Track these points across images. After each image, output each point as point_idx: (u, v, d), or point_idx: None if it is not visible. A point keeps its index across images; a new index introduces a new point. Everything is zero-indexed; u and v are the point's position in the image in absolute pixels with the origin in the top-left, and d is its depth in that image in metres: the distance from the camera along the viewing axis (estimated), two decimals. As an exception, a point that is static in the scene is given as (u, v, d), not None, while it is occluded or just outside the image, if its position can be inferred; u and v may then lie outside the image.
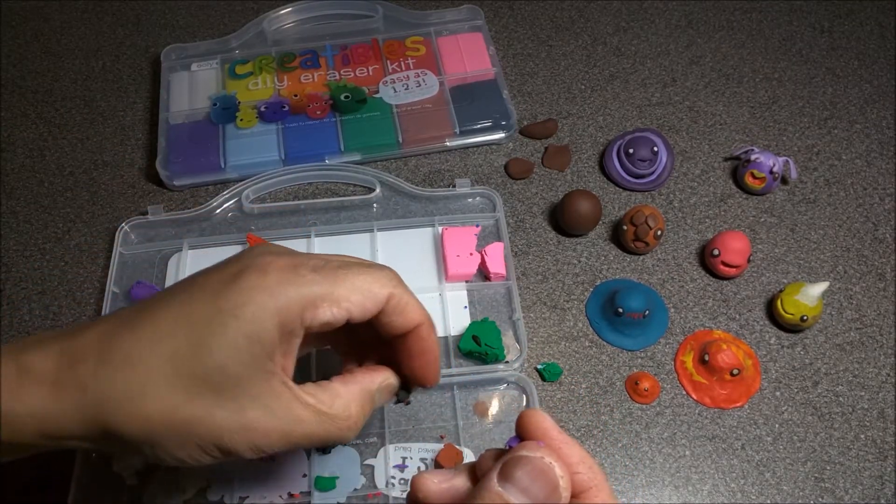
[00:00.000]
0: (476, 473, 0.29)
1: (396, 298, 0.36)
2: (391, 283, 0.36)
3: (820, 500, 0.51)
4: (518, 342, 0.55)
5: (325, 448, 0.50)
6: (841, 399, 0.55)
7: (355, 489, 0.49)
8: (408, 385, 0.40)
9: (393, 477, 0.50)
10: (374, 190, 0.63)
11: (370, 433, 0.52)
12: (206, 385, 0.31)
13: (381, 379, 0.38)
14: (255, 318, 0.31)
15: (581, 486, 0.27)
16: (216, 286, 0.33)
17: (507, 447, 0.28)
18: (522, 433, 0.29)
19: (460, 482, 0.29)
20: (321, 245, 0.60)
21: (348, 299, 0.34)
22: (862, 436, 0.53)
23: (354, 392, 0.36)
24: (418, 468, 0.50)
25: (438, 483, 0.30)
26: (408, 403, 0.49)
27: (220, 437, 0.31)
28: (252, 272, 0.33)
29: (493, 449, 0.30)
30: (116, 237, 0.60)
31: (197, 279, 0.34)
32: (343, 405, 0.35)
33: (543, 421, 0.28)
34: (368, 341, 0.40)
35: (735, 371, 0.53)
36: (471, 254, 0.58)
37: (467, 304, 0.58)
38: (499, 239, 0.60)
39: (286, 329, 0.32)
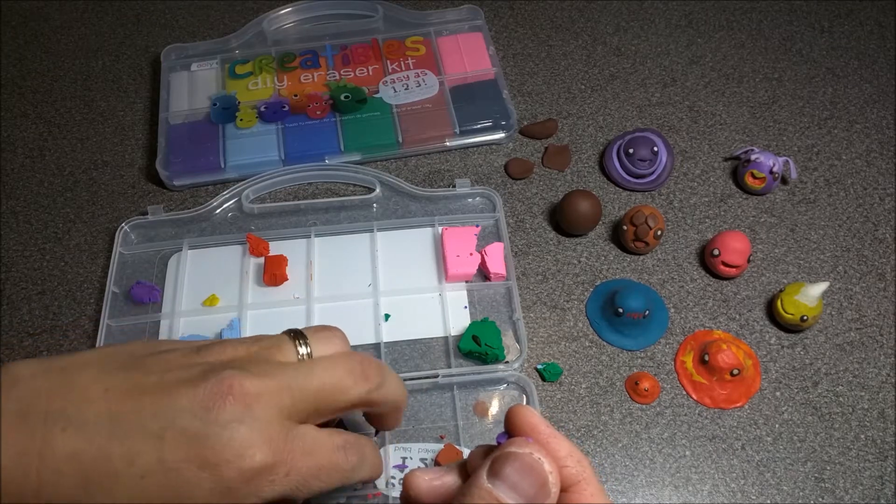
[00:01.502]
0: (467, 470, 0.29)
1: (381, 394, 0.35)
2: (380, 375, 0.34)
3: (820, 500, 0.51)
4: (518, 342, 0.55)
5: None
6: (841, 399, 0.55)
7: (355, 489, 0.49)
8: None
9: (393, 477, 0.50)
10: (374, 190, 0.63)
11: (370, 433, 0.52)
12: None
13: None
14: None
15: (569, 481, 0.27)
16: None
17: (497, 443, 0.28)
18: (511, 429, 0.29)
19: (451, 479, 0.29)
20: (321, 245, 0.60)
21: (305, 483, 0.31)
22: (862, 436, 0.53)
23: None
24: (418, 467, 0.50)
25: (430, 480, 0.30)
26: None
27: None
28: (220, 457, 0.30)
29: (482, 445, 0.30)
30: (116, 237, 0.60)
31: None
32: None
33: (531, 416, 0.28)
34: None
35: (735, 371, 0.53)
36: (471, 254, 0.58)
37: (467, 304, 0.58)
38: (499, 239, 0.60)
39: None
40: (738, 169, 0.65)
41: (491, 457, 0.27)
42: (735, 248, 0.58)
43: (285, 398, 0.31)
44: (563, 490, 0.27)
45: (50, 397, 0.28)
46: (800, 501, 0.51)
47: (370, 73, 0.70)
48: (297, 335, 0.35)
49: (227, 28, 0.76)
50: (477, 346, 0.53)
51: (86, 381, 0.29)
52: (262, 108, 0.67)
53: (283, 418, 0.30)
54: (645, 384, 0.54)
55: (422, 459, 0.51)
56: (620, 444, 0.52)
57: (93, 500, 0.27)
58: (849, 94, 0.72)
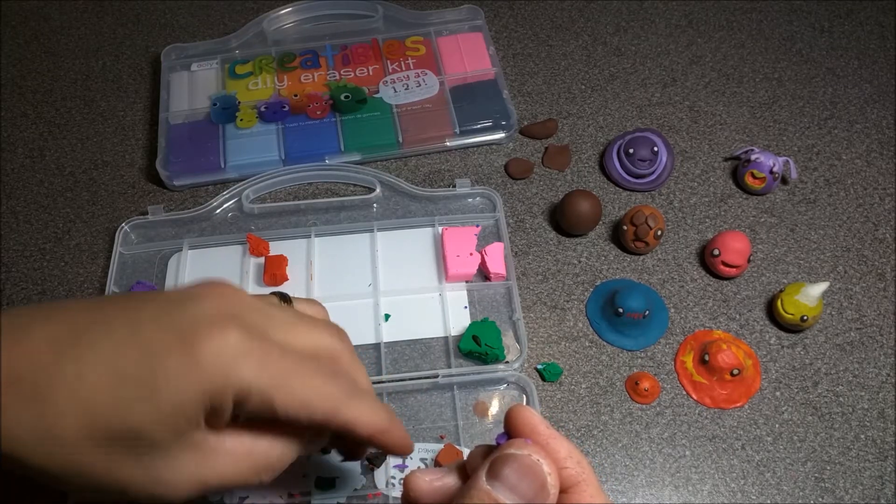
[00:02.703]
0: (466, 471, 0.29)
1: (341, 421, 0.32)
2: (337, 396, 0.32)
3: (820, 500, 0.51)
4: (518, 342, 0.55)
5: (324, 448, 0.50)
6: (841, 399, 0.55)
7: (355, 489, 0.49)
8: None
9: (393, 477, 0.50)
10: (374, 190, 0.63)
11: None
12: (119, 443, 0.28)
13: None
14: (179, 391, 0.29)
15: (569, 482, 0.27)
16: (163, 335, 0.29)
17: (497, 443, 0.28)
18: (510, 429, 0.29)
19: (451, 480, 0.30)
20: (321, 245, 0.60)
21: (283, 406, 0.31)
22: (862, 436, 0.53)
23: (281, 438, 0.33)
24: (418, 468, 0.50)
25: (430, 482, 0.30)
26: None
27: (124, 488, 0.29)
28: (199, 346, 0.30)
29: (482, 446, 0.30)
30: (116, 237, 0.60)
31: (150, 310, 0.31)
32: (265, 450, 0.32)
33: (531, 416, 0.28)
34: None
35: (735, 371, 0.53)
36: (471, 254, 0.58)
37: (467, 304, 0.58)
38: (499, 239, 0.60)
39: (214, 406, 0.30)
40: (738, 169, 0.65)
41: (490, 458, 0.27)
42: (735, 248, 0.58)
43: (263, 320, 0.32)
44: (563, 491, 0.27)
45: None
46: (800, 501, 0.51)
47: (370, 73, 0.70)
48: (283, 297, 0.36)
49: (227, 28, 0.76)
50: (477, 346, 0.53)
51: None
52: (263, 108, 0.67)
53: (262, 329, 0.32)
54: (645, 384, 0.54)
55: (422, 459, 0.51)
56: (620, 444, 0.52)
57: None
58: (849, 94, 0.72)
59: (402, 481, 0.49)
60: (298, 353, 0.32)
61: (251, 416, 0.30)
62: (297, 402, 0.31)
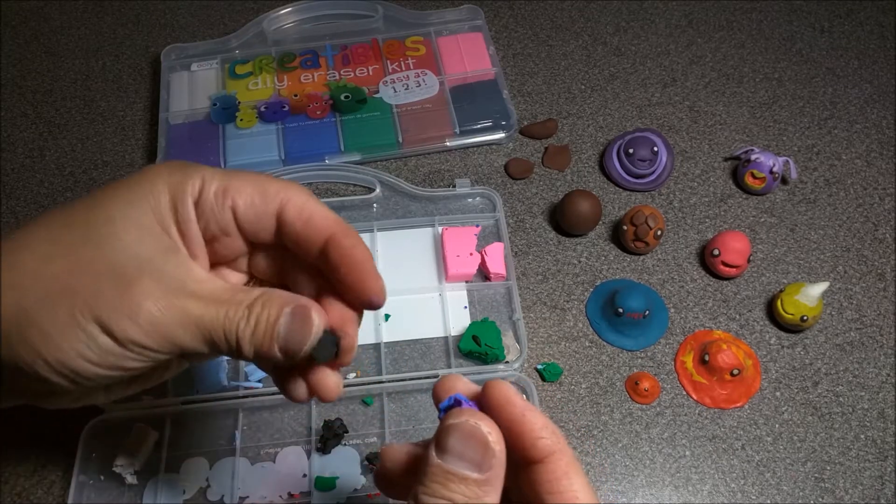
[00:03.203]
0: None
1: (296, 206, 0.33)
2: (292, 190, 0.33)
3: (820, 500, 0.51)
4: (518, 342, 0.55)
5: (325, 448, 0.51)
6: (841, 399, 0.55)
7: (355, 489, 0.50)
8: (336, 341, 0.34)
9: (393, 477, 0.50)
10: (374, 190, 0.63)
11: (370, 433, 0.52)
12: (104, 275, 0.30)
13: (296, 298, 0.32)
14: (145, 194, 0.31)
15: (545, 451, 0.28)
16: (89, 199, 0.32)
17: (440, 413, 0.29)
18: (486, 403, 0.29)
19: (421, 452, 0.31)
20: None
21: (238, 189, 0.32)
22: (862, 436, 0.53)
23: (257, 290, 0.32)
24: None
25: (406, 453, 0.32)
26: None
27: (98, 313, 0.29)
28: (142, 170, 0.33)
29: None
30: (116, 237, 0.60)
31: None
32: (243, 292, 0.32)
33: (506, 390, 0.29)
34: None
35: (735, 371, 0.53)
36: (471, 254, 0.58)
37: (467, 304, 0.58)
38: (499, 239, 0.60)
39: (176, 202, 0.32)
40: (738, 169, 0.65)
41: (435, 434, 0.28)
42: (735, 248, 0.58)
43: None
44: (539, 461, 0.28)
45: None
46: (800, 501, 0.51)
47: (370, 73, 0.70)
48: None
49: (227, 28, 0.76)
50: (477, 346, 0.53)
51: None
52: (262, 108, 0.67)
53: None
54: (645, 384, 0.54)
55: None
56: (620, 444, 0.52)
57: None
58: (849, 94, 0.72)
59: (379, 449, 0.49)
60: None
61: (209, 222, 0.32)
62: (251, 187, 0.32)
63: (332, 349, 0.32)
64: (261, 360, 0.32)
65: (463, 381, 0.31)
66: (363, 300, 0.33)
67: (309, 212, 0.33)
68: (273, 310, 0.31)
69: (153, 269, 0.30)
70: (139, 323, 0.29)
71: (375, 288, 0.33)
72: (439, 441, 0.27)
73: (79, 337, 0.29)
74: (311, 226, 0.33)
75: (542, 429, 0.28)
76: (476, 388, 0.30)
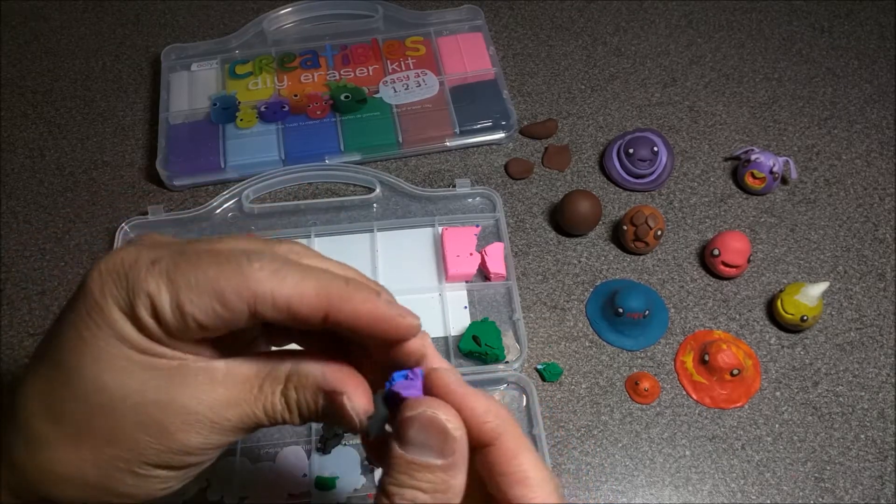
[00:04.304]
0: None
1: (266, 300, 0.27)
2: (255, 279, 0.27)
3: (820, 500, 0.51)
4: (518, 342, 0.55)
5: (325, 448, 0.50)
6: (841, 399, 0.55)
7: (355, 489, 0.49)
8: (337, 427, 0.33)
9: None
10: (374, 190, 0.63)
11: (370, 433, 0.52)
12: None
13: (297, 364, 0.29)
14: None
15: (491, 435, 0.28)
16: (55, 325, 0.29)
17: (391, 382, 0.29)
18: (427, 391, 0.29)
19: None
20: (321, 245, 0.60)
21: (191, 302, 0.26)
22: (862, 436, 0.53)
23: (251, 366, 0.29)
24: None
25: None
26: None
27: (149, 460, 0.28)
28: (86, 277, 0.28)
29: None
30: (116, 237, 0.60)
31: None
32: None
33: (445, 377, 0.28)
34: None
35: (735, 371, 0.53)
36: (471, 254, 0.58)
37: (467, 304, 0.58)
38: (499, 239, 0.60)
39: (138, 322, 0.27)
40: (738, 169, 0.65)
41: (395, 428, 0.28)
42: (735, 248, 0.58)
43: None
44: (487, 445, 0.28)
45: None
46: (800, 501, 0.51)
47: (370, 73, 0.70)
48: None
49: (227, 28, 0.76)
50: (477, 346, 0.53)
51: None
52: (262, 108, 0.67)
53: None
54: (645, 384, 0.54)
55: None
56: (620, 444, 0.52)
57: None
58: (849, 94, 0.72)
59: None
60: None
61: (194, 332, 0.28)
62: (207, 293, 0.27)
63: (381, 423, 0.29)
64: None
65: (453, 377, 0.29)
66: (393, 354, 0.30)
67: (285, 299, 0.27)
68: (309, 395, 0.29)
69: (167, 408, 0.27)
70: (191, 457, 0.28)
71: (402, 329, 0.29)
72: (400, 433, 0.27)
73: (130, 481, 0.28)
74: (295, 312, 0.27)
75: (485, 413, 0.28)
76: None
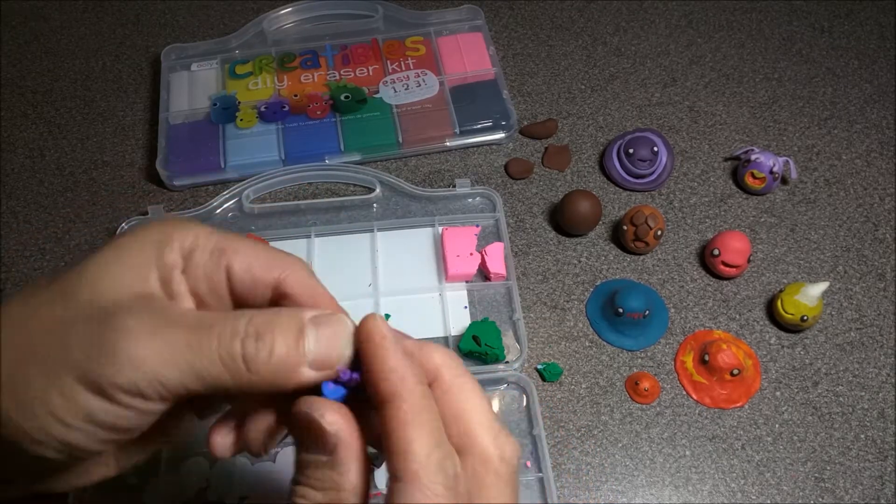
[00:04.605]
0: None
1: (299, 280, 0.29)
2: (294, 263, 0.30)
3: (820, 500, 0.51)
4: (518, 342, 0.55)
5: (376, 462, 0.50)
6: (841, 399, 0.55)
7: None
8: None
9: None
10: (374, 190, 0.63)
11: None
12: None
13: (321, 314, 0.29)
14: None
15: (385, 395, 0.26)
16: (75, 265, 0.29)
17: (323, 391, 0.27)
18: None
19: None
20: (321, 245, 0.60)
21: (235, 251, 0.29)
22: (862, 436, 0.53)
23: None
24: None
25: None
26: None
27: (73, 367, 0.26)
28: (128, 230, 0.30)
29: None
30: (116, 237, 0.60)
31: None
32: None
33: (370, 326, 0.28)
34: None
35: (735, 371, 0.53)
36: (471, 254, 0.58)
37: (467, 304, 0.58)
38: (499, 239, 0.60)
39: (161, 252, 0.29)
40: (738, 169, 0.65)
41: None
42: (735, 248, 0.58)
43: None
44: (380, 405, 0.26)
45: None
46: (800, 501, 0.51)
47: (370, 73, 0.70)
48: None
49: (227, 28, 0.76)
50: (477, 346, 0.53)
51: None
52: (262, 108, 0.67)
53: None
54: (645, 384, 0.54)
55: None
56: (620, 444, 0.52)
57: None
58: (849, 94, 0.72)
59: None
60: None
61: (199, 281, 0.29)
62: (253, 252, 0.29)
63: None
64: (266, 390, 0.27)
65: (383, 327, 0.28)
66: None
67: (312, 289, 0.30)
68: (288, 323, 0.27)
69: (131, 308, 0.26)
70: (120, 367, 0.25)
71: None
72: (300, 441, 0.27)
73: (56, 400, 0.25)
74: (316, 304, 0.29)
75: (389, 371, 0.26)
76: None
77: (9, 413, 0.25)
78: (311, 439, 0.26)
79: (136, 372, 0.25)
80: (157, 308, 0.27)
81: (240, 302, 0.30)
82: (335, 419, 0.26)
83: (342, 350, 0.27)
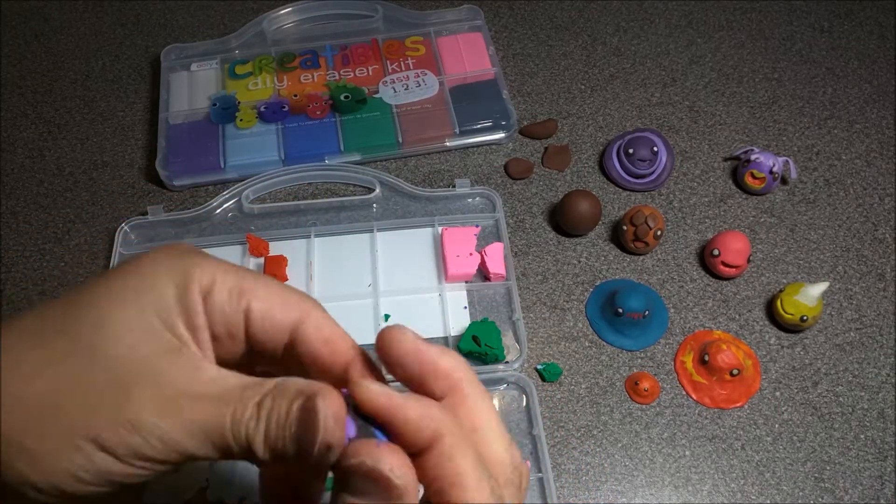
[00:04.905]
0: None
1: (315, 324, 0.29)
2: (310, 304, 0.29)
3: (820, 500, 0.51)
4: (518, 342, 0.55)
5: None
6: (841, 399, 0.55)
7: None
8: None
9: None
10: (373, 190, 0.63)
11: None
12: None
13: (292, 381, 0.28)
14: (145, 289, 0.27)
15: (428, 441, 0.26)
16: (87, 290, 0.28)
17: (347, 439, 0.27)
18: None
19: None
20: (321, 245, 0.60)
21: (255, 293, 0.28)
22: (862, 436, 0.53)
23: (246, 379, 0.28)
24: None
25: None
26: None
27: (92, 431, 0.26)
28: (142, 258, 0.29)
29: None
30: (116, 237, 0.60)
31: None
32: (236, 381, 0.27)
33: (370, 393, 0.27)
34: None
35: (735, 371, 0.53)
36: (471, 254, 0.58)
37: (467, 305, 0.58)
38: (499, 239, 0.60)
39: (185, 311, 0.27)
40: (738, 169, 0.65)
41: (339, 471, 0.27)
42: (735, 248, 0.58)
43: None
44: (424, 451, 0.26)
45: None
46: (800, 501, 0.51)
47: (370, 73, 0.70)
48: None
49: (227, 28, 0.76)
50: (477, 347, 0.53)
51: None
52: (262, 108, 0.67)
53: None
54: (645, 384, 0.54)
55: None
56: (620, 444, 0.52)
57: None
58: (849, 94, 0.72)
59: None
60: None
61: (217, 324, 0.28)
62: (272, 292, 0.29)
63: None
64: (281, 462, 0.27)
65: (408, 340, 0.28)
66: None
67: (328, 332, 0.29)
68: (285, 401, 0.26)
69: (152, 373, 0.26)
70: (141, 437, 0.26)
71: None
72: (346, 484, 0.26)
73: (73, 459, 0.25)
74: (332, 349, 0.29)
75: (419, 420, 0.26)
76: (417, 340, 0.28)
77: (19, 465, 0.26)
78: (368, 489, 0.26)
79: (156, 443, 0.26)
80: (181, 376, 0.27)
81: (254, 343, 0.30)
82: (403, 471, 0.26)
83: (328, 435, 0.26)
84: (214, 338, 0.29)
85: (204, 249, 0.54)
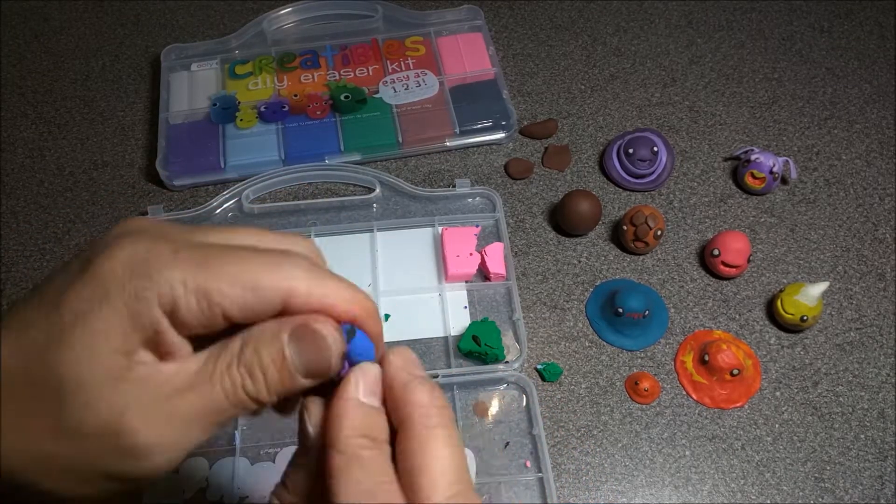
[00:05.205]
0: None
1: (303, 295, 0.27)
2: (291, 270, 0.27)
3: (820, 500, 0.51)
4: (518, 342, 0.55)
5: None
6: (841, 399, 0.55)
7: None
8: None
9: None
10: (373, 190, 0.63)
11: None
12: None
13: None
14: (97, 335, 0.26)
15: (401, 414, 0.27)
16: (54, 295, 0.28)
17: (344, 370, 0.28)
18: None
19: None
20: (321, 245, 0.60)
21: (222, 294, 0.26)
22: (862, 436, 0.53)
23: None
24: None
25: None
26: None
27: (102, 470, 0.26)
28: (98, 265, 0.28)
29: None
30: (116, 237, 0.60)
31: (40, 286, 0.29)
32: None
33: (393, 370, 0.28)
34: None
35: (735, 371, 0.53)
36: (471, 254, 0.58)
37: (467, 304, 0.58)
38: (499, 239, 0.60)
39: (144, 329, 0.26)
40: (738, 169, 0.65)
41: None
42: (735, 248, 0.58)
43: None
44: (399, 426, 0.27)
45: None
46: (800, 501, 0.51)
47: (370, 73, 0.70)
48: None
49: (227, 28, 0.76)
50: (477, 346, 0.53)
51: None
52: (262, 108, 0.67)
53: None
54: (645, 384, 0.54)
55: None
56: (620, 444, 0.52)
57: None
58: (849, 94, 0.72)
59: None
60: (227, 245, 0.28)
61: (194, 327, 0.27)
62: (238, 288, 0.26)
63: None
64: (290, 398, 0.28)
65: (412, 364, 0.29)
66: None
67: (319, 299, 0.27)
68: (271, 348, 0.27)
69: (130, 401, 0.26)
70: (145, 462, 0.26)
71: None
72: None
73: (80, 486, 0.26)
74: (327, 311, 0.28)
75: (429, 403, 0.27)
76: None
77: (12, 463, 0.26)
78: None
79: (162, 455, 0.26)
80: (149, 389, 0.26)
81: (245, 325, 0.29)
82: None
83: (328, 358, 0.27)
84: (195, 335, 0.28)
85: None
